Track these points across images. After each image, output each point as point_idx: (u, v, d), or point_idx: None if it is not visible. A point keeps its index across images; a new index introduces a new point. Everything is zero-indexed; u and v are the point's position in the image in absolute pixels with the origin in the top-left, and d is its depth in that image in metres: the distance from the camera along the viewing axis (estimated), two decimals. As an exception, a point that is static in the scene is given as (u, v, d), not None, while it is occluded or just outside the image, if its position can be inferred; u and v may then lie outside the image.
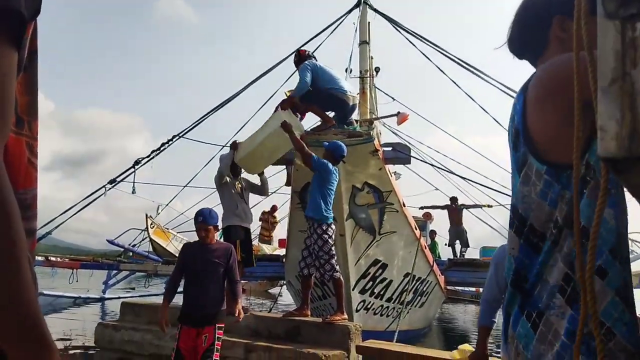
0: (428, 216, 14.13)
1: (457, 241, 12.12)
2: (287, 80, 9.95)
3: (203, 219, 3.57)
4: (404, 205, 6.49)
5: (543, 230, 0.95)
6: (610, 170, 0.55)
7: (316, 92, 5.34)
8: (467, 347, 3.05)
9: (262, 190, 5.80)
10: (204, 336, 3.44)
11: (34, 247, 0.71)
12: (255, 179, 5.75)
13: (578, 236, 0.70)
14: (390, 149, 6.43)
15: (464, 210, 12.24)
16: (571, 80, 0.87)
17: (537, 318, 0.93)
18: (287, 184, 6.16)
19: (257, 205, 13.48)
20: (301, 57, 5.75)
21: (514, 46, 1.16)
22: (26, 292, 0.56)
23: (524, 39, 1.13)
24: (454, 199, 12.22)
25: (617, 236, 0.88)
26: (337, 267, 4.65)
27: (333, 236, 4.67)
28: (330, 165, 4.63)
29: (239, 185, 5.30)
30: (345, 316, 4.66)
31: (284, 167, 6.70)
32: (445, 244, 12.85)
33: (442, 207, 12.41)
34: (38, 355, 0.57)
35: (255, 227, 12.22)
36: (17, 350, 0.56)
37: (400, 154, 6.46)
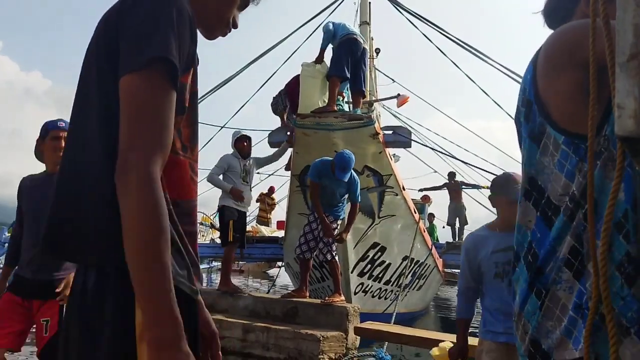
0: (426, 199, 14.11)
1: (457, 219, 12.07)
2: (286, 61, 9.85)
3: (50, 124, 2.49)
4: (404, 189, 6.48)
5: (558, 204, 0.92)
6: (626, 150, 0.53)
7: (334, 46, 5.65)
8: (448, 345, 3.10)
9: (275, 158, 5.79)
10: (43, 321, 2.37)
11: (196, 245, 0.94)
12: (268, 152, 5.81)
13: (591, 211, 0.67)
14: (390, 132, 6.37)
15: (462, 191, 12.20)
16: (579, 47, 0.85)
17: (545, 295, 0.92)
18: (287, 168, 6.13)
19: (255, 186, 13.36)
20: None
21: (545, 14, 1.14)
22: (164, 278, 0.73)
23: (553, 7, 1.11)
24: (451, 175, 12.12)
25: (625, 210, 0.85)
26: (335, 251, 4.71)
27: None
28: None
29: (246, 169, 5.21)
30: (343, 297, 4.70)
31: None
32: (443, 227, 12.85)
33: (441, 187, 12.33)
34: (166, 326, 0.72)
35: (253, 208, 12.20)
36: (149, 320, 0.73)
37: (401, 137, 6.41)
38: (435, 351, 3.12)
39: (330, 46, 5.72)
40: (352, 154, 4.55)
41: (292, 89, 6.08)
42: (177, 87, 0.82)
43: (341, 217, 4.80)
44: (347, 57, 5.45)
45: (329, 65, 5.67)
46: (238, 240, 5.12)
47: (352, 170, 4.64)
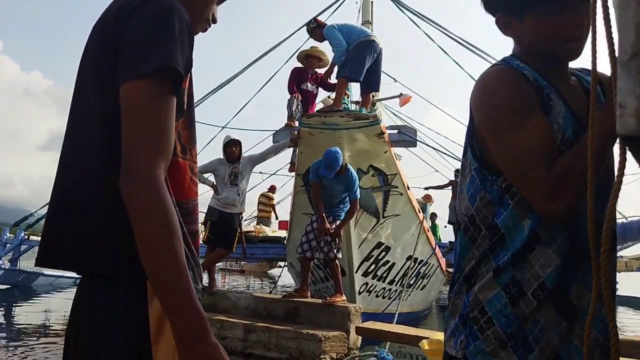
0: (428, 198, 14.05)
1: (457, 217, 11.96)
2: (288, 60, 9.84)
3: None
4: (408, 188, 6.47)
5: (460, 220, 1.04)
6: (629, 149, 0.52)
7: (351, 48, 5.44)
8: (436, 337, 2.92)
9: (272, 153, 5.81)
10: None
11: (198, 244, 0.94)
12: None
13: (593, 231, 0.67)
14: (395, 131, 6.37)
15: None
16: (477, 102, 0.99)
17: (451, 301, 1.06)
18: (291, 169, 6.13)
19: (256, 186, 13.19)
20: (319, 25, 5.82)
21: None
22: (182, 276, 0.75)
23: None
24: (458, 171, 11.99)
25: (523, 241, 0.94)
26: (336, 250, 4.72)
27: None
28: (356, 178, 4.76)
29: (234, 171, 5.20)
30: (344, 297, 4.69)
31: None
32: (445, 226, 12.79)
33: (447, 185, 12.28)
34: (191, 322, 0.75)
35: (254, 208, 12.14)
36: (175, 318, 0.75)
37: (406, 136, 6.41)
38: (424, 344, 2.81)
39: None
40: (340, 152, 4.55)
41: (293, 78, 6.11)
42: (178, 93, 0.85)
43: (341, 218, 4.80)
44: (366, 60, 5.38)
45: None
46: (213, 242, 5.13)
47: (352, 168, 4.63)
